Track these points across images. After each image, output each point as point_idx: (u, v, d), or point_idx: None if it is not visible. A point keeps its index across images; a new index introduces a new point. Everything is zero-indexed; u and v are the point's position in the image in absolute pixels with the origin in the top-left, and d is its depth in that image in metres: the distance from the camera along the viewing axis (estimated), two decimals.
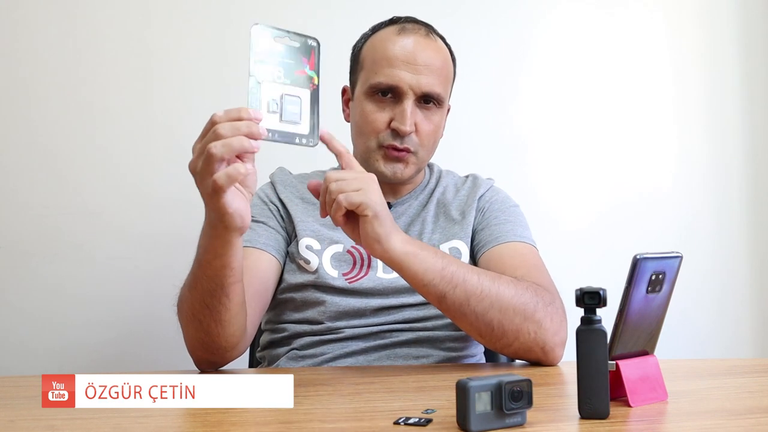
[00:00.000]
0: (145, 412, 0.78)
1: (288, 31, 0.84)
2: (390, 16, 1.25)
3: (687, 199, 1.85)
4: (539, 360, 1.03)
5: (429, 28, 1.23)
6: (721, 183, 1.87)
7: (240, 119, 0.80)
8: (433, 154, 1.25)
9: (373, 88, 1.18)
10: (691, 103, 1.86)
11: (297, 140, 0.84)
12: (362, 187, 0.91)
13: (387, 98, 1.18)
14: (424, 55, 1.17)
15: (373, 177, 0.95)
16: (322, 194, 0.93)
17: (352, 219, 0.93)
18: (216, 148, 0.80)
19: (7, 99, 1.66)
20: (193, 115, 1.68)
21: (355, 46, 1.27)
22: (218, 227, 0.87)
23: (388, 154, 1.19)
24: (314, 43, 0.86)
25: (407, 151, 1.18)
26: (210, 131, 0.81)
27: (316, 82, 0.86)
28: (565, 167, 1.81)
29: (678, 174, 1.86)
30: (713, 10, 1.88)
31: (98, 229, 1.66)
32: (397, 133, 1.17)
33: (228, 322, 0.97)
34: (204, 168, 0.81)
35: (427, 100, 1.18)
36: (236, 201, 0.84)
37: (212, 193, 0.82)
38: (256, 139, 0.80)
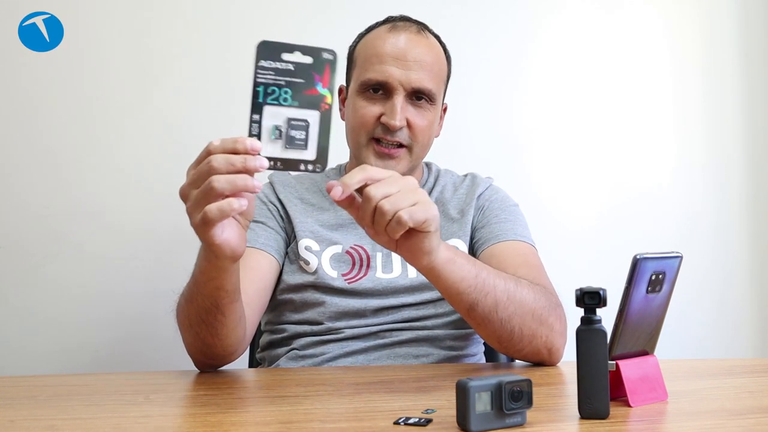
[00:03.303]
0: (145, 412, 0.78)
1: (299, 46, 0.76)
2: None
3: (687, 198, 1.85)
4: (542, 361, 1.03)
5: (421, 26, 1.23)
6: (721, 183, 1.87)
7: (235, 151, 0.75)
8: (426, 152, 1.25)
9: (364, 85, 1.18)
10: (690, 102, 1.86)
11: (302, 167, 0.78)
12: (418, 200, 0.82)
13: (378, 95, 1.18)
14: (414, 52, 1.17)
15: (413, 180, 0.84)
16: (368, 210, 0.81)
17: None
18: (219, 182, 0.75)
19: (8, 99, 1.65)
20: (194, 114, 1.69)
21: (350, 46, 1.27)
22: (209, 254, 0.85)
23: (378, 150, 1.18)
24: (330, 57, 0.78)
25: (399, 145, 1.18)
26: (204, 161, 0.77)
27: (329, 101, 0.78)
28: (565, 167, 1.81)
29: (678, 174, 1.85)
30: (713, 10, 1.88)
31: (98, 228, 1.66)
32: (387, 128, 1.17)
33: (225, 335, 0.97)
34: (199, 199, 0.77)
35: (419, 96, 1.18)
36: (226, 231, 0.80)
37: (201, 224, 0.78)
38: (252, 173, 0.76)
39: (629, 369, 0.74)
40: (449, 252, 0.91)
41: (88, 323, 1.65)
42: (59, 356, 1.63)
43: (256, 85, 0.76)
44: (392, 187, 0.81)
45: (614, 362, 0.72)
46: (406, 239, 0.85)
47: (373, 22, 1.27)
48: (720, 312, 1.85)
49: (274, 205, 1.25)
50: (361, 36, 1.26)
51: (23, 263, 1.64)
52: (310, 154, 0.78)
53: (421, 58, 1.18)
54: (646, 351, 0.77)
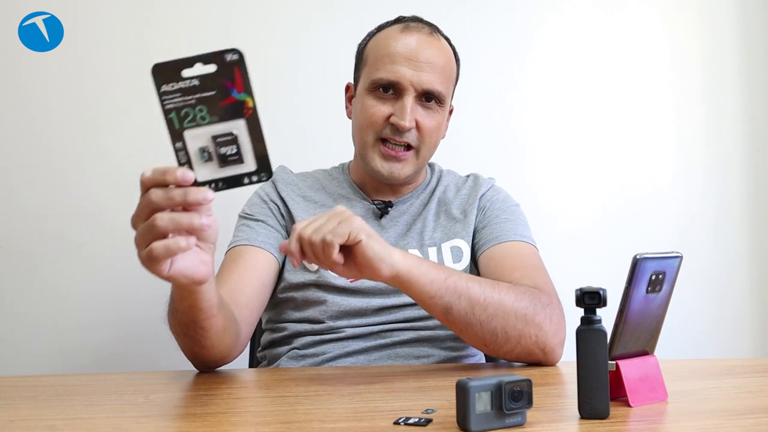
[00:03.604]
0: (145, 412, 0.78)
1: (197, 57, 0.69)
2: (392, 16, 1.26)
3: (686, 198, 1.85)
4: (539, 361, 1.03)
5: (433, 28, 1.23)
6: (720, 182, 1.87)
7: (165, 183, 0.71)
8: (433, 153, 1.25)
9: (374, 84, 1.18)
10: (690, 102, 1.86)
11: (246, 180, 0.72)
12: (341, 219, 0.86)
13: (388, 94, 1.18)
14: (426, 53, 1.17)
15: (339, 207, 0.89)
16: (308, 249, 0.86)
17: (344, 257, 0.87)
18: (162, 221, 0.71)
19: (7, 99, 1.66)
20: None
21: (360, 44, 1.27)
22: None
23: (384, 151, 1.18)
24: (235, 57, 0.69)
25: (407, 146, 1.18)
26: (144, 195, 0.73)
27: (251, 105, 0.70)
28: (565, 167, 1.81)
29: (678, 174, 1.85)
30: (713, 10, 1.88)
31: (98, 229, 1.66)
32: (396, 129, 1.17)
33: (210, 346, 0.97)
34: (144, 233, 0.74)
35: (428, 97, 1.18)
36: (178, 262, 0.76)
37: (146, 260, 0.75)
38: (196, 206, 0.71)
39: (629, 369, 0.74)
40: (411, 259, 0.93)
41: (88, 323, 1.65)
42: (59, 356, 1.63)
43: (166, 113, 0.70)
44: (317, 222, 0.87)
45: (614, 362, 0.72)
46: (354, 260, 0.87)
47: (375, 21, 1.27)
48: (720, 312, 1.85)
49: (275, 204, 1.25)
50: (371, 34, 1.26)
51: (23, 263, 1.64)
52: (249, 166, 0.71)
53: (432, 59, 1.18)
54: (646, 351, 0.77)
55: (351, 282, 1.17)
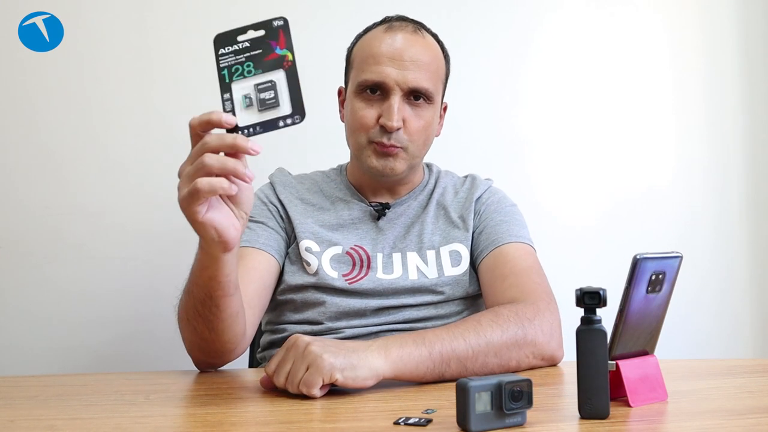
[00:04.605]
0: (145, 412, 0.78)
1: (249, 25, 0.82)
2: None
3: (687, 198, 1.85)
4: (542, 366, 1.03)
5: (418, 25, 1.23)
6: (721, 182, 1.87)
7: (210, 122, 0.79)
8: (426, 150, 1.24)
9: (361, 86, 1.18)
10: (690, 102, 1.86)
11: (281, 123, 0.80)
12: (308, 363, 0.82)
13: (375, 95, 1.18)
14: (410, 51, 1.17)
15: (303, 339, 0.86)
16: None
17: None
18: (210, 159, 0.78)
19: (8, 98, 1.65)
20: (193, 114, 1.69)
21: (348, 47, 1.27)
22: (201, 240, 0.86)
23: (377, 149, 1.18)
24: (280, 23, 0.82)
25: (395, 147, 1.18)
26: (199, 144, 0.79)
27: (290, 59, 0.81)
28: (565, 167, 1.81)
29: (678, 174, 1.85)
30: (713, 10, 1.88)
31: (98, 228, 1.66)
32: (385, 130, 1.17)
33: (221, 330, 0.97)
34: (190, 174, 0.79)
35: (416, 96, 1.18)
36: (211, 212, 0.81)
37: (187, 197, 0.79)
38: (242, 153, 0.79)
39: (629, 369, 0.74)
40: (393, 351, 0.87)
41: (88, 323, 1.65)
42: (59, 356, 1.63)
43: (220, 71, 0.81)
44: (284, 367, 0.84)
45: (614, 362, 0.72)
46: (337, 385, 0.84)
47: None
48: (720, 312, 1.85)
49: (275, 206, 1.25)
50: (358, 37, 1.26)
51: (23, 263, 1.64)
52: (284, 109, 0.80)
53: (417, 57, 1.17)
54: (646, 351, 0.77)
55: (349, 284, 1.17)
